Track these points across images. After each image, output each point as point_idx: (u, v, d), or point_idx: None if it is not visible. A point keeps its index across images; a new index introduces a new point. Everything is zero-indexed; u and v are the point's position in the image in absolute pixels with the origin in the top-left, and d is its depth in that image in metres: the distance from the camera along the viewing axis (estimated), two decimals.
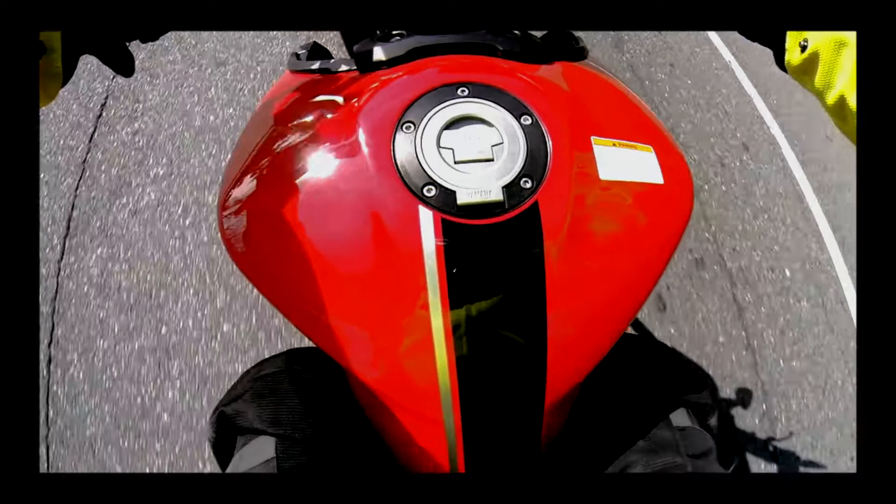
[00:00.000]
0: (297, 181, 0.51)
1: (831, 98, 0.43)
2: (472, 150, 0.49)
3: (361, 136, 0.50)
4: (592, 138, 0.52)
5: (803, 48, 0.45)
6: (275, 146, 0.56)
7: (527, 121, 0.51)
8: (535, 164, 0.49)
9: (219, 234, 0.55)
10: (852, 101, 0.41)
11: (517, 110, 0.51)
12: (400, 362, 0.47)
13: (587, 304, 0.49)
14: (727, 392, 1.57)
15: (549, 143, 0.50)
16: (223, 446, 0.58)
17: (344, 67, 0.63)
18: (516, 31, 0.64)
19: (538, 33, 0.70)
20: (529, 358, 0.47)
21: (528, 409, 0.49)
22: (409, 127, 0.50)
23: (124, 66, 0.49)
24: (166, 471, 1.33)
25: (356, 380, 0.50)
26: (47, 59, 0.43)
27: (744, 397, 1.58)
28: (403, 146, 0.49)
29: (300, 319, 0.50)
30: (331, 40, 1.79)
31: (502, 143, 0.50)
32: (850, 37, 0.41)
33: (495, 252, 0.46)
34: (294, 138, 0.55)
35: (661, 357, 0.59)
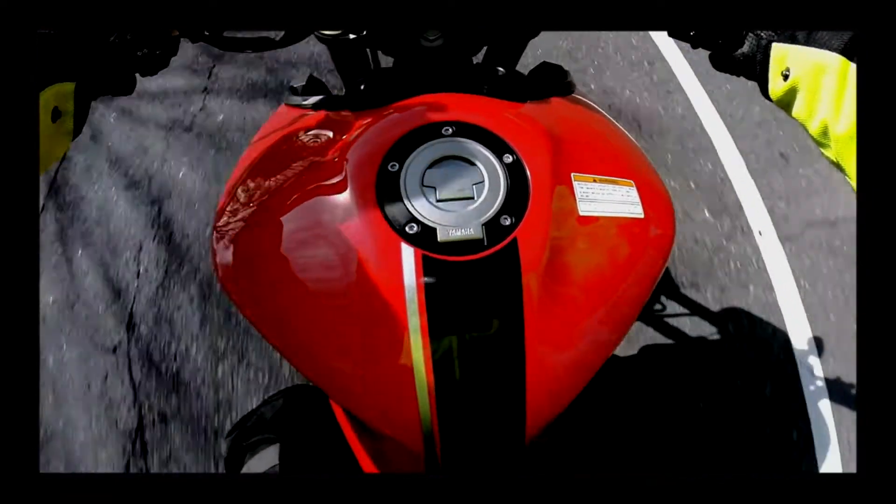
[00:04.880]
0: (287, 216, 0.53)
1: (815, 125, 0.44)
2: (453, 189, 0.51)
3: (348, 174, 0.52)
4: (573, 175, 0.54)
5: (785, 77, 0.46)
6: (267, 180, 0.58)
7: (508, 159, 0.52)
8: (515, 202, 0.50)
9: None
10: (834, 127, 0.41)
11: (499, 149, 0.53)
12: (382, 394, 0.49)
13: (566, 337, 0.50)
14: None
15: (530, 181, 0.51)
16: (234, 462, 0.64)
17: (337, 105, 0.65)
18: (501, 69, 0.66)
19: (529, 46, 0.72)
20: (508, 390, 0.48)
21: (508, 441, 0.50)
22: (394, 166, 0.51)
23: (127, 89, 0.51)
24: None
25: (342, 409, 0.51)
26: (61, 122, 0.44)
27: (818, 343, 1.61)
28: (388, 185, 0.51)
29: (287, 350, 0.52)
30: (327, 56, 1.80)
31: (483, 181, 0.51)
32: (831, 62, 0.41)
33: (474, 287, 0.48)
34: (286, 173, 0.57)
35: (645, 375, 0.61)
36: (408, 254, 0.47)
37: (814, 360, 1.61)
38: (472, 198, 0.50)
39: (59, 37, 0.43)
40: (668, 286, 1.72)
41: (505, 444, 0.50)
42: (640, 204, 0.54)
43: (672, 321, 1.66)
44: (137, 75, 0.52)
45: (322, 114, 0.65)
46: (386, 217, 0.49)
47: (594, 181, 0.54)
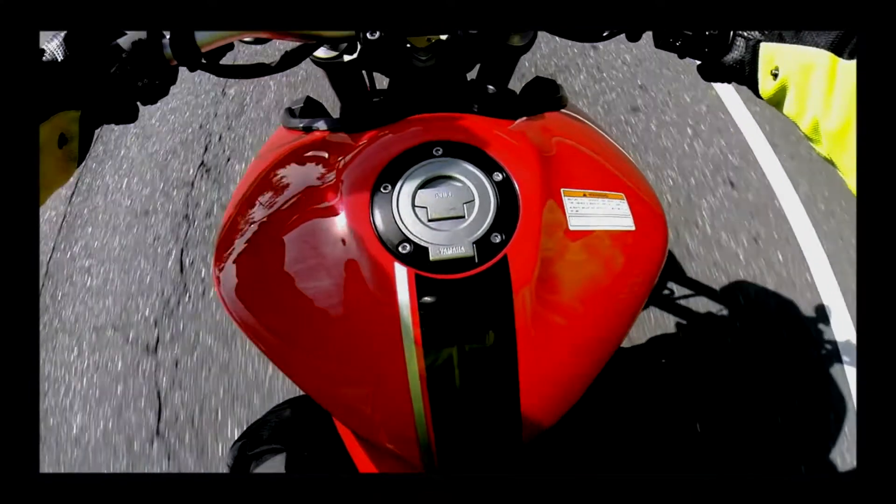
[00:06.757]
0: (286, 238, 0.55)
1: (806, 122, 0.44)
2: (444, 208, 0.52)
3: (343, 196, 0.53)
4: (562, 190, 0.54)
5: (775, 76, 0.46)
6: (266, 203, 0.60)
7: (498, 177, 0.53)
8: (505, 220, 0.51)
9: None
10: (825, 124, 0.41)
11: (489, 167, 0.53)
12: (379, 407, 0.50)
13: (559, 348, 0.50)
14: None
15: (519, 198, 0.52)
16: (240, 472, 0.65)
17: (333, 127, 0.66)
18: (492, 87, 0.67)
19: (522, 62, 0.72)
20: (502, 402, 0.49)
21: (503, 450, 0.51)
22: (387, 187, 0.53)
23: (130, 117, 0.53)
24: None
25: (341, 424, 0.52)
26: (67, 148, 0.46)
27: (822, 312, 1.66)
28: (381, 206, 0.52)
29: (288, 368, 0.53)
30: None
31: (474, 199, 0.52)
32: (819, 59, 0.41)
33: (466, 304, 0.48)
34: (285, 196, 0.59)
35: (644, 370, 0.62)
36: (401, 273, 0.49)
37: None
38: (463, 216, 0.51)
39: (65, 67, 0.45)
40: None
41: (500, 453, 0.51)
42: (630, 216, 0.55)
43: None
44: (139, 104, 0.53)
45: (319, 136, 0.66)
46: (380, 238, 0.50)
47: (584, 195, 0.55)
